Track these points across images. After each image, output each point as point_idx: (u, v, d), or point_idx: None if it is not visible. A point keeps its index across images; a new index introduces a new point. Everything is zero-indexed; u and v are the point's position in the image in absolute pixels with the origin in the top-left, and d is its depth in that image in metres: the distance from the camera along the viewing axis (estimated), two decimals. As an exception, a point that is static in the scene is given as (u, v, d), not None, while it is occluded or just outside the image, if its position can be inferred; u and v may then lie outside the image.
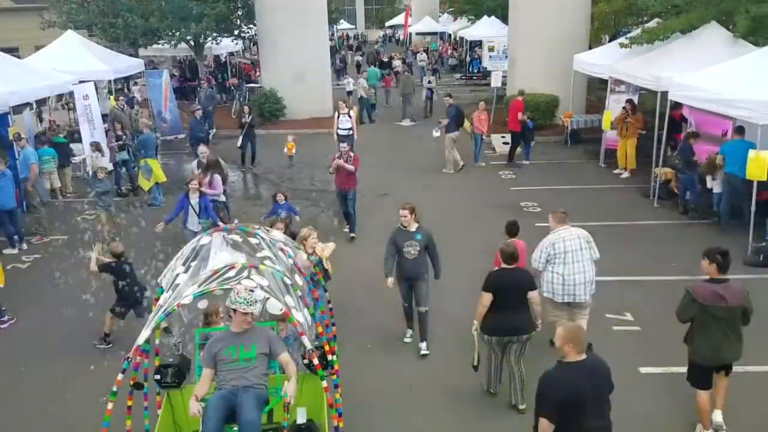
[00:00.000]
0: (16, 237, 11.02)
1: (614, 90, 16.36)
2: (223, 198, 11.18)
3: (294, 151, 17.24)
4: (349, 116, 16.51)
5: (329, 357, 5.19)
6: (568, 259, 6.95)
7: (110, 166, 14.44)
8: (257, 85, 24.90)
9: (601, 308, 8.59)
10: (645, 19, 18.52)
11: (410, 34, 50.97)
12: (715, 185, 11.39)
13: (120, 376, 4.46)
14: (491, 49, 25.98)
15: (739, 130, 11.28)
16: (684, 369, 6.36)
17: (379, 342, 8.06)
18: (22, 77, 13.93)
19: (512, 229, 7.58)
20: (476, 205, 13.38)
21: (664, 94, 12.53)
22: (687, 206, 12.17)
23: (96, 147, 13.82)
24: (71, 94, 16.34)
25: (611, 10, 20.17)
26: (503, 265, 6.51)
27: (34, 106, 15.69)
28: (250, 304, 4.78)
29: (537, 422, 4.53)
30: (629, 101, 14.82)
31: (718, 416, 6.10)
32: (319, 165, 15.81)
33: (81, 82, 15.97)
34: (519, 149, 16.70)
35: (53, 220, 12.45)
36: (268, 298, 4.77)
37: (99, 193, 11.14)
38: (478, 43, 32.81)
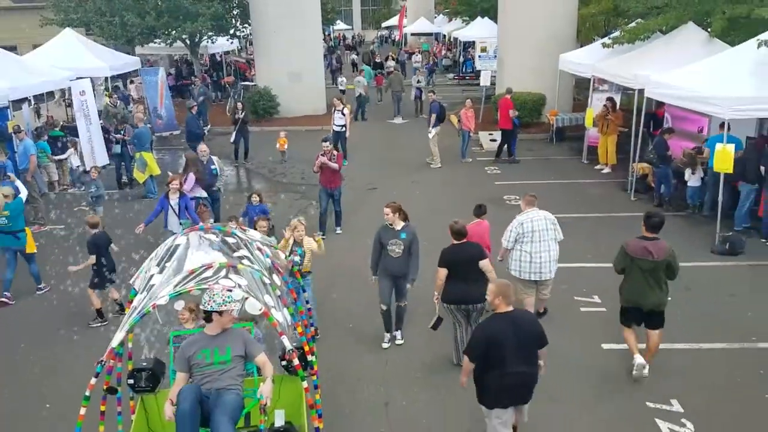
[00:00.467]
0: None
1: (597, 89, 16.83)
2: (204, 194, 11.16)
3: (286, 146, 17.69)
4: (343, 113, 16.94)
5: (308, 357, 5.16)
6: (535, 238, 7.62)
7: (105, 161, 14.87)
8: (252, 84, 25.32)
9: (572, 291, 9.12)
10: (631, 19, 19.00)
11: (405, 34, 51.45)
12: (692, 179, 11.86)
13: (93, 380, 4.40)
14: (483, 50, 26.39)
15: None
16: (642, 345, 6.94)
17: (360, 335, 8.20)
18: (21, 74, 14.41)
19: (478, 211, 8.24)
20: (462, 199, 13.72)
21: (644, 92, 13.03)
22: (661, 199, 12.64)
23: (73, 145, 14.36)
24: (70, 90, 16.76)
25: (598, 11, 20.71)
26: (453, 242, 7.11)
27: (32, 101, 16.06)
28: (225, 304, 4.68)
29: None
30: (609, 99, 15.29)
31: (641, 365, 6.83)
32: (311, 161, 16.21)
33: (78, 78, 16.38)
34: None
35: (51, 210, 12.88)
36: (246, 298, 4.65)
37: (91, 195, 11.63)
38: (472, 44, 33.27)
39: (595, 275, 9.57)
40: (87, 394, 4.40)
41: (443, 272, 6.98)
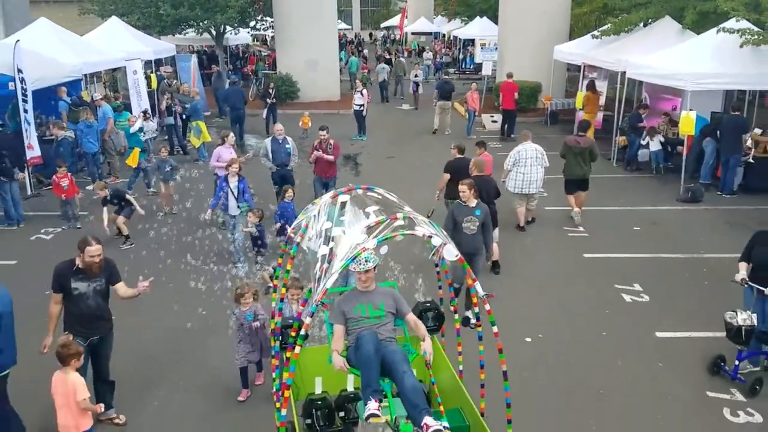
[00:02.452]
0: (97, 175, 13.60)
1: (587, 76, 19.15)
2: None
3: (309, 124, 19.91)
4: (362, 94, 19.17)
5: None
6: (527, 163, 10.61)
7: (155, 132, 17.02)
8: (272, 72, 27.54)
9: (562, 225, 11.45)
10: (618, 15, 21.34)
11: (406, 33, 53.67)
12: (652, 144, 14.25)
13: (308, 320, 4.23)
14: (483, 45, 28.71)
15: (736, 107, 13.99)
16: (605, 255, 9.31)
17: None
18: (88, 53, 16.60)
19: (482, 146, 10.82)
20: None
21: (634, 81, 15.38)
22: (630, 162, 15.05)
23: (144, 115, 16.43)
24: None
25: (590, 10, 23.05)
26: (456, 156, 9.97)
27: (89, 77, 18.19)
28: (367, 262, 4.73)
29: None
30: (590, 82, 17.64)
31: (576, 213, 11.14)
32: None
33: (130, 60, 18.56)
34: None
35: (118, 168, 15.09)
36: (445, 244, 4.57)
37: (166, 172, 13.40)
38: (471, 42, 35.58)
39: (582, 217, 11.89)
40: (303, 333, 4.25)
41: (446, 176, 9.80)
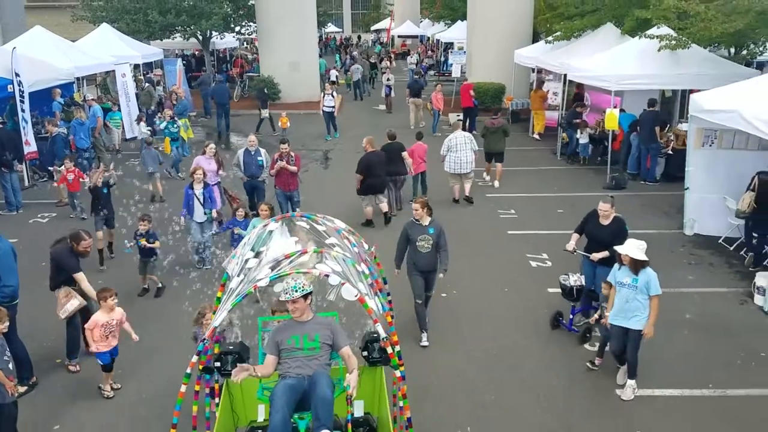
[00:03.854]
0: (88, 168, 15.11)
1: (544, 78, 20.76)
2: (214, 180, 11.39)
3: (288, 124, 21.48)
4: (333, 96, 20.73)
5: (397, 348, 4.99)
6: (459, 148, 12.55)
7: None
8: (255, 74, 29.09)
9: (497, 208, 13.03)
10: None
11: (393, 37, 55.21)
12: (581, 137, 15.89)
13: (194, 359, 4.44)
14: (461, 49, 30.28)
15: (651, 103, 15.52)
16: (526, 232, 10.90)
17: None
18: (80, 57, 18.14)
19: (419, 136, 13.33)
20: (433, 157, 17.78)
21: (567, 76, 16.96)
22: (571, 155, 16.77)
23: (139, 118, 18.01)
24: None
25: (551, 15, 24.65)
26: (387, 140, 12.18)
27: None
28: (295, 291, 4.68)
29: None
30: (539, 83, 19.28)
31: (496, 182, 13.84)
32: (306, 136, 20.31)
33: (119, 64, 20.08)
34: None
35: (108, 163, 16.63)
36: (343, 283, 4.52)
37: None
38: (451, 45, 37.15)
39: (518, 201, 13.49)
40: (188, 371, 4.37)
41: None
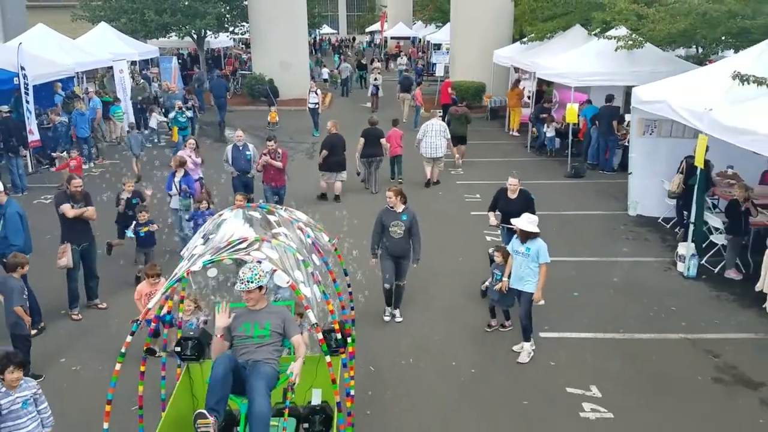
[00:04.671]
0: (87, 156, 16.26)
1: (521, 77, 21.94)
2: (199, 175, 11.94)
3: (277, 118, 22.66)
4: (317, 93, 21.87)
5: (339, 337, 5.22)
6: (433, 135, 14.07)
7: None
8: (248, 72, 30.24)
9: (464, 193, 14.19)
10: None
11: (386, 38, 56.35)
12: (548, 131, 17.07)
13: (129, 338, 4.55)
14: (447, 50, 31.48)
15: (609, 98, 16.65)
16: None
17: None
18: (80, 54, 19.27)
19: (395, 123, 14.69)
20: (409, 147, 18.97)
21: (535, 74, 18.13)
22: (540, 148, 17.94)
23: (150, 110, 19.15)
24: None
25: (528, 18, 25.87)
26: (369, 126, 13.49)
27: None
28: (250, 282, 4.84)
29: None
30: (516, 81, 20.46)
31: (458, 159, 15.47)
32: (295, 130, 21.47)
33: (117, 60, 21.21)
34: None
35: (104, 151, 17.79)
36: (275, 270, 4.74)
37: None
38: (440, 46, 38.34)
39: (488, 188, 14.62)
40: (123, 350, 4.54)
41: (362, 141, 13.75)
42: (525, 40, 21.49)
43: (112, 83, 21.23)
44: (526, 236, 7.34)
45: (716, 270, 9.78)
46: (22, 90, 15.28)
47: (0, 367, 4.91)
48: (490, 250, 8.69)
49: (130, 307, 8.32)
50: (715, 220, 9.94)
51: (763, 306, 8.53)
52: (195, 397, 5.51)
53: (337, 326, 5.26)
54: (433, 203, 13.48)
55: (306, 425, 4.95)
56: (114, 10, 28.16)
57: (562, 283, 9.36)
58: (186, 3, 27.10)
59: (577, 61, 15.93)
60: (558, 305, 8.76)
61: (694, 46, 17.86)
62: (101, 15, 28.13)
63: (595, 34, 18.28)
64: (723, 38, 14.75)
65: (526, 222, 7.37)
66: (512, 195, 8.99)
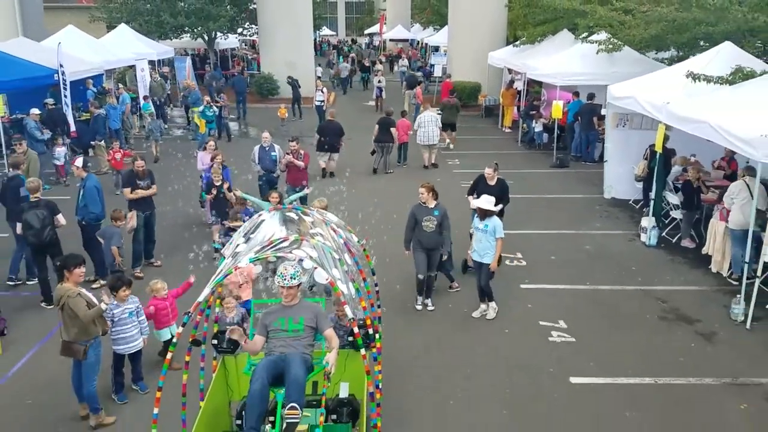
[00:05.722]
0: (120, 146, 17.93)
1: (514, 78, 23.66)
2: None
3: (286, 114, 24.36)
4: (322, 92, 23.56)
5: (370, 332, 5.39)
6: (426, 125, 15.89)
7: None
8: (256, 72, 31.95)
9: (460, 180, 15.87)
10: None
11: (384, 40, 57.98)
12: (536, 126, 18.80)
13: (180, 329, 4.90)
14: (445, 52, 33.19)
15: (590, 96, 18.34)
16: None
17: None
18: (106, 52, 20.95)
19: (403, 114, 16.39)
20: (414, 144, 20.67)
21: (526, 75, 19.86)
22: (529, 142, 19.64)
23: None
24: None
25: (521, 22, 27.62)
26: (384, 115, 15.52)
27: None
28: (293, 279, 5.11)
29: None
30: (510, 81, 22.17)
31: (449, 142, 17.63)
32: (302, 125, 23.13)
33: (139, 59, 22.90)
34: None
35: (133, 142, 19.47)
36: (315, 268, 4.95)
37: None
38: (437, 48, 40.02)
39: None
40: (174, 341, 4.98)
41: (376, 128, 16.11)
42: (517, 43, 23.23)
43: (134, 80, 22.90)
44: (484, 214, 8.28)
45: (674, 240, 11.50)
46: (61, 86, 16.92)
47: (116, 286, 6.58)
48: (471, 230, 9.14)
49: (179, 266, 10.02)
50: (673, 198, 11.66)
51: (709, 266, 10.26)
52: (230, 387, 5.84)
53: (369, 322, 5.46)
54: (430, 179, 15.18)
55: (334, 416, 5.32)
56: (131, 12, 29.83)
57: (543, 249, 11.11)
58: (198, 6, 28.77)
59: (563, 62, 17.66)
60: (538, 265, 10.50)
61: (673, 49, 19.59)
62: (118, 17, 29.79)
63: (581, 39, 20.09)
64: (689, 42, 16.47)
65: (484, 201, 8.35)
66: (491, 182, 9.92)
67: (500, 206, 9.53)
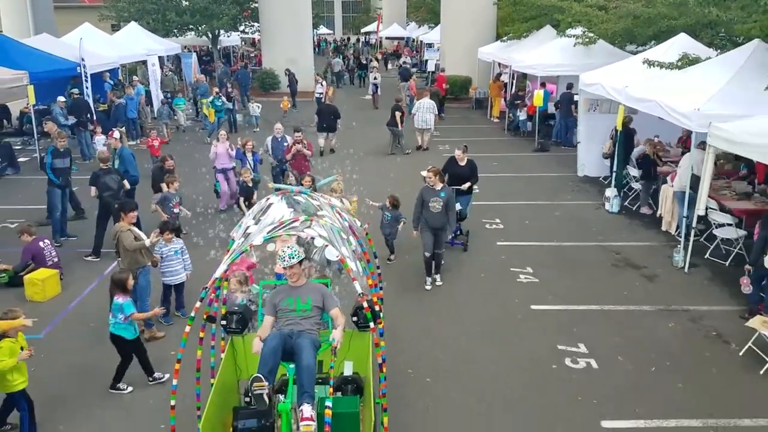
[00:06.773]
0: (137, 134, 19.48)
1: (502, 71, 25.24)
2: (230, 165, 13.04)
3: (288, 106, 25.92)
4: (322, 85, 25.14)
5: (376, 309, 5.48)
6: (422, 110, 17.45)
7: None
8: (259, 68, 33.48)
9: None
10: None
11: (381, 38, 59.45)
12: (521, 114, 20.40)
13: (197, 304, 5.00)
14: (439, 48, 34.76)
15: (568, 86, 19.88)
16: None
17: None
18: (120, 48, 22.50)
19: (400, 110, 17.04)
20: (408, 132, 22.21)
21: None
22: (515, 129, 21.25)
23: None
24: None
25: (510, 19, 29.19)
26: (394, 102, 17.24)
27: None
28: (292, 258, 5.23)
29: None
30: (497, 75, 23.78)
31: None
32: (301, 117, 24.65)
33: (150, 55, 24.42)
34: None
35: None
36: (326, 245, 5.11)
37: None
38: (431, 45, 41.56)
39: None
40: (192, 315, 4.98)
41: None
42: (505, 38, 24.81)
43: (146, 75, 24.44)
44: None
45: (634, 208, 13.12)
46: (83, 78, 18.48)
47: (163, 229, 8.16)
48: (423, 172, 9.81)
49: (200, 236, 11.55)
50: (634, 171, 13.26)
51: (661, 228, 11.86)
52: (238, 367, 5.98)
53: (375, 299, 5.72)
54: (423, 163, 16.67)
55: (339, 393, 5.49)
56: (138, 10, 31.35)
57: (519, 216, 12.73)
58: (203, 5, 30.30)
59: (544, 55, 19.25)
60: (513, 227, 12.12)
61: (649, 42, 21.15)
62: (126, 15, 31.31)
63: (560, 33, 21.67)
64: (655, 35, 18.05)
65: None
66: (461, 163, 10.91)
67: (469, 183, 10.91)
